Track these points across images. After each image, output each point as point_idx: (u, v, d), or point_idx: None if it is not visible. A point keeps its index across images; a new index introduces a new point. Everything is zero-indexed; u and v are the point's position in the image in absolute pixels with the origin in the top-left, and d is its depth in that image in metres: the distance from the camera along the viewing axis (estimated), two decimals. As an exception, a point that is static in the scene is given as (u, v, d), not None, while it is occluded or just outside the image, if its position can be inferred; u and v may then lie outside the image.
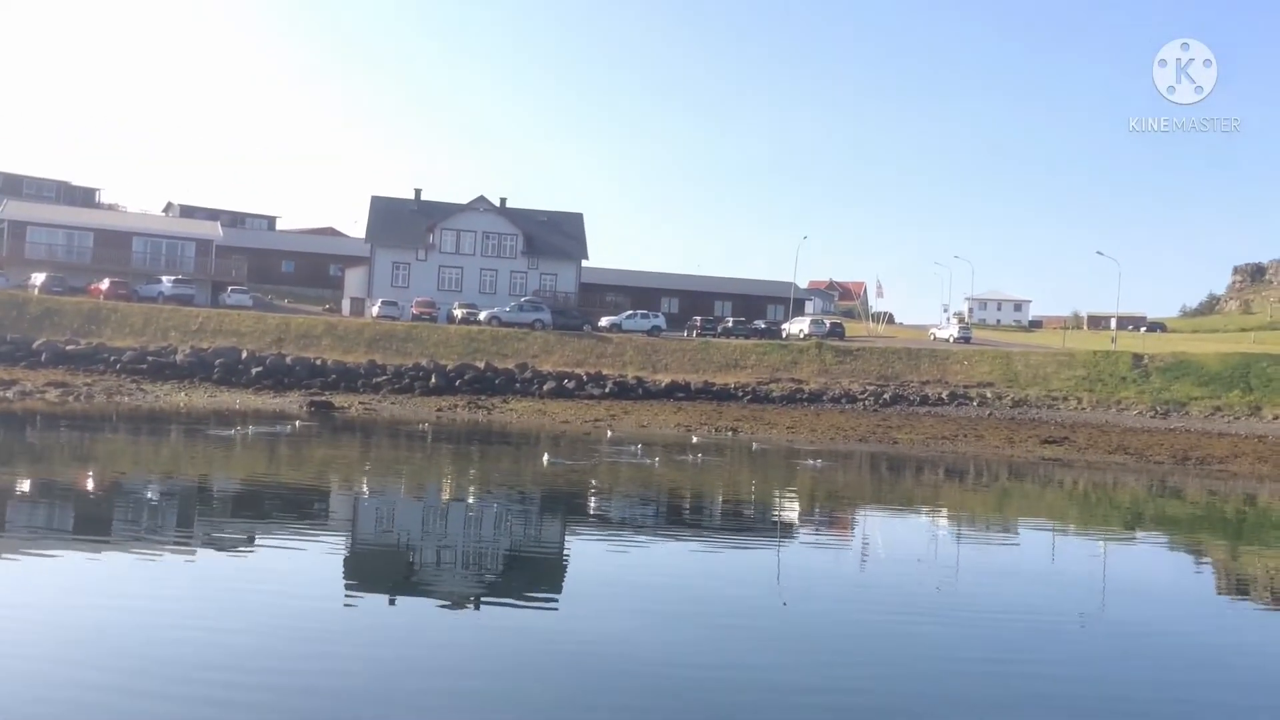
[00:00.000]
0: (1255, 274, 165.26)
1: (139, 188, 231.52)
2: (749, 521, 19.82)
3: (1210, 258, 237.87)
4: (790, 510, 21.14)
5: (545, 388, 50.05)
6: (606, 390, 50.92)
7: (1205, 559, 18.43)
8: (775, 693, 8.75)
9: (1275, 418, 50.35)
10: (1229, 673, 10.36)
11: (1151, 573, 16.34)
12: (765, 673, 9.39)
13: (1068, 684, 9.47)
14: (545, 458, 27.02)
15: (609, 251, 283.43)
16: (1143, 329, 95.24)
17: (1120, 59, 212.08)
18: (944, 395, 54.80)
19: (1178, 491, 27.84)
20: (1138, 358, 59.62)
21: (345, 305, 69.90)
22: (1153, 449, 37.60)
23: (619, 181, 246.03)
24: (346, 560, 14.15)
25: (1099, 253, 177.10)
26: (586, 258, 77.46)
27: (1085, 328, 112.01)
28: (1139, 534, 20.69)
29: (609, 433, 35.31)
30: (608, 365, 56.04)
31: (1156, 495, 27.23)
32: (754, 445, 33.89)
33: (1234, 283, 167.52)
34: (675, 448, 31.33)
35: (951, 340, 70.83)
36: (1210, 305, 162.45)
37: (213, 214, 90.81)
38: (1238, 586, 15.65)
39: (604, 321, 66.78)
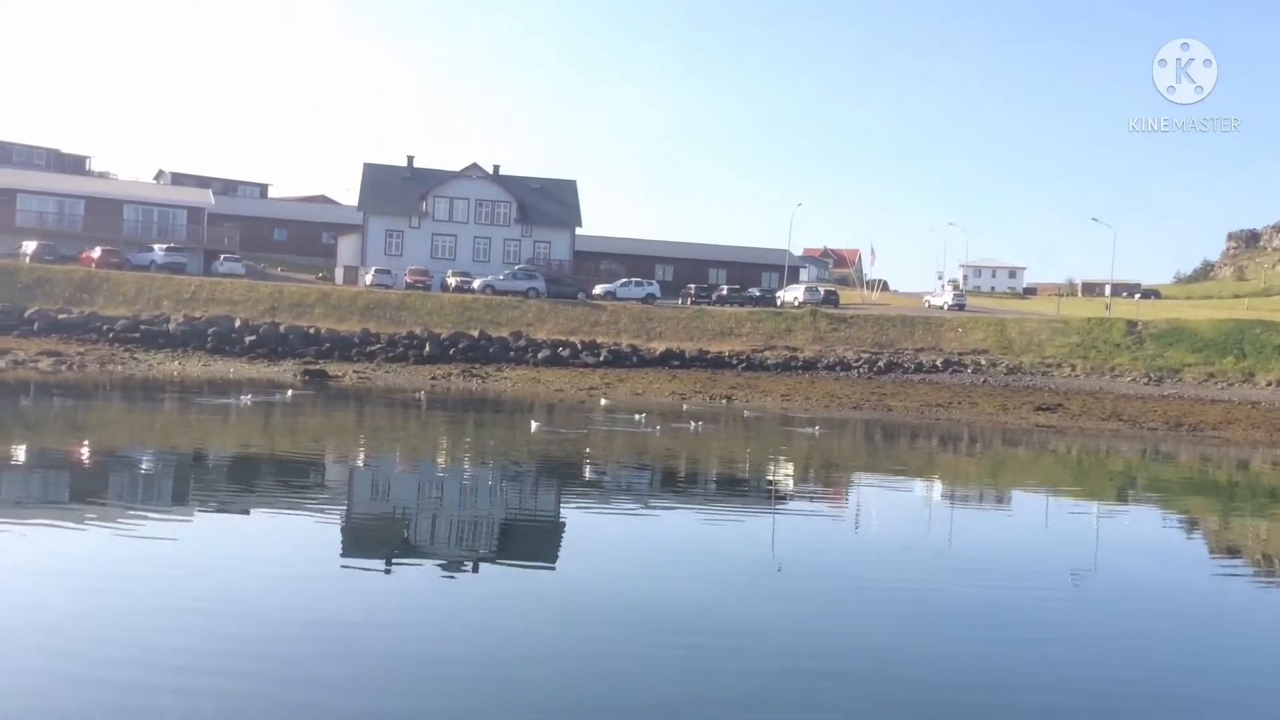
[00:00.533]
0: (1249, 240, 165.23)
1: (130, 155, 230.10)
2: (751, 488, 19.85)
3: (1205, 224, 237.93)
4: (792, 477, 21.16)
5: (539, 356, 50.02)
6: (601, 358, 50.91)
7: (1203, 529, 18.49)
8: (772, 661, 8.78)
9: (1268, 384, 50.51)
10: (1230, 653, 10.43)
11: (1145, 542, 16.40)
12: (761, 648, 9.41)
13: (1059, 662, 9.52)
14: (533, 425, 26.92)
15: (603, 219, 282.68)
16: (1137, 296, 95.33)
17: (1120, 59, 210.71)
18: (938, 363, 54.87)
19: (1171, 458, 27.95)
20: (1132, 324, 59.69)
21: (338, 274, 69.62)
22: (1146, 416, 37.72)
23: (613, 148, 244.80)
24: (344, 530, 14.16)
25: (1094, 219, 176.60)
26: (580, 225, 77.17)
27: (1079, 294, 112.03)
28: (1132, 502, 20.79)
29: (603, 401, 35.32)
30: (602, 333, 55.99)
31: (1150, 462, 27.34)
32: (745, 413, 33.92)
33: (1228, 249, 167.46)
34: (672, 416, 31.34)
35: (946, 307, 70.82)
36: (1205, 272, 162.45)
37: (204, 182, 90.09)
38: (1235, 556, 15.73)
39: (598, 289, 66.63)
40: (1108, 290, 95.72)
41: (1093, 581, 13.02)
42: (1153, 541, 16.27)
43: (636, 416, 29.86)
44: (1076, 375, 53.48)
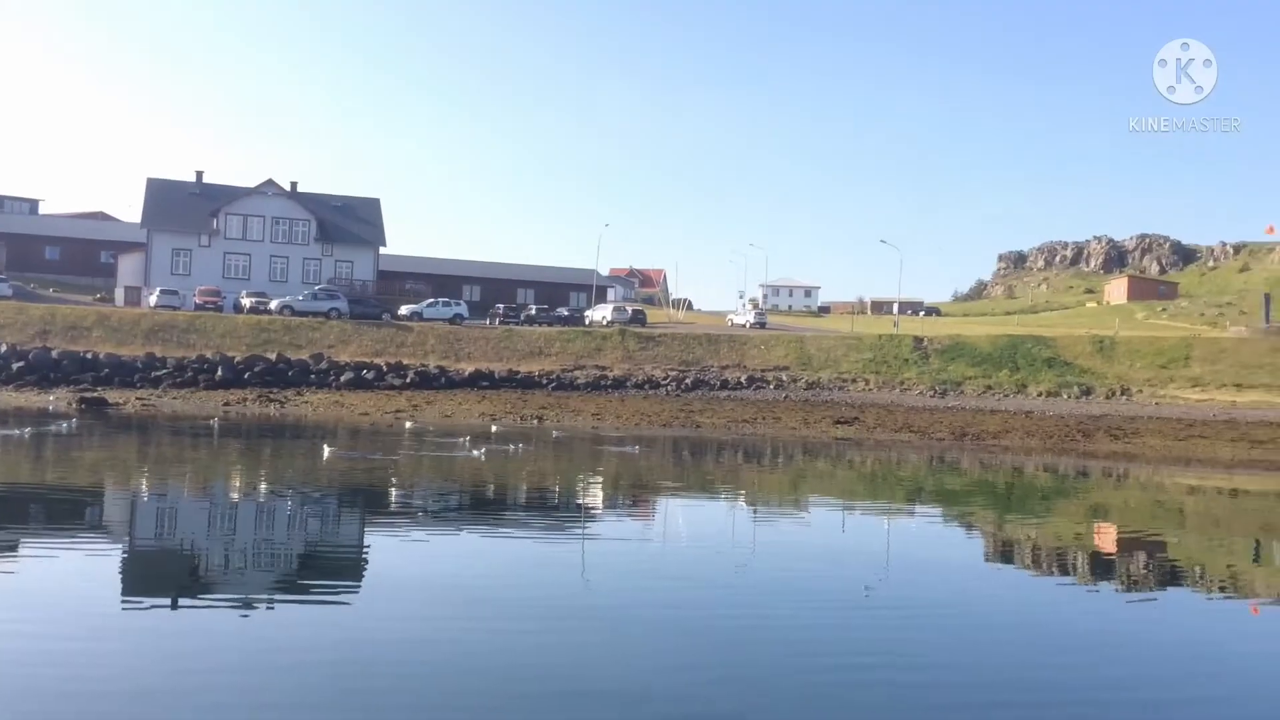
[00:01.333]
0: (1017, 261, 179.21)
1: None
2: (565, 510, 19.64)
3: (977, 246, 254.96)
4: (603, 497, 21.09)
5: (343, 379, 48.37)
6: (408, 380, 49.72)
7: (991, 530, 19.59)
8: (575, 692, 8.62)
9: (1039, 394, 54.67)
10: (1023, 645, 10.97)
11: (934, 545, 17.24)
12: (566, 670, 9.23)
13: (869, 667, 9.78)
14: (326, 450, 25.64)
15: (408, 239, 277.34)
16: (921, 313, 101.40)
17: (1120, 59, 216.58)
18: (743, 379, 56.49)
19: (956, 466, 29.68)
20: (918, 340, 63.38)
21: (119, 294, 65.21)
22: (934, 427, 39.98)
23: (418, 167, 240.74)
24: (124, 563, 13.03)
25: (882, 241, 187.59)
26: (384, 245, 75.44)
27: (869, 313, 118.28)
28: (924, 507, 21.86)
29: (408, 424, 34.37)
30: (409, 355, 54.72)
31: (937, 471, 28.92)
32: (555, 433, 33.76)
33: (999, 269, 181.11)
34: (483, 438, 30.78)
35: (748, 326, 73.16)
36: (979, 291, 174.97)
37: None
38: (1013, 556, 16.73)
39: (404, 310, 65.19)
40: (895, 308, 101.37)
41: (888, 593, 13.50)
42: (943, 546, 17.10)
43: (461, 439, 29.07)
44: (870, 389, 56.21)
